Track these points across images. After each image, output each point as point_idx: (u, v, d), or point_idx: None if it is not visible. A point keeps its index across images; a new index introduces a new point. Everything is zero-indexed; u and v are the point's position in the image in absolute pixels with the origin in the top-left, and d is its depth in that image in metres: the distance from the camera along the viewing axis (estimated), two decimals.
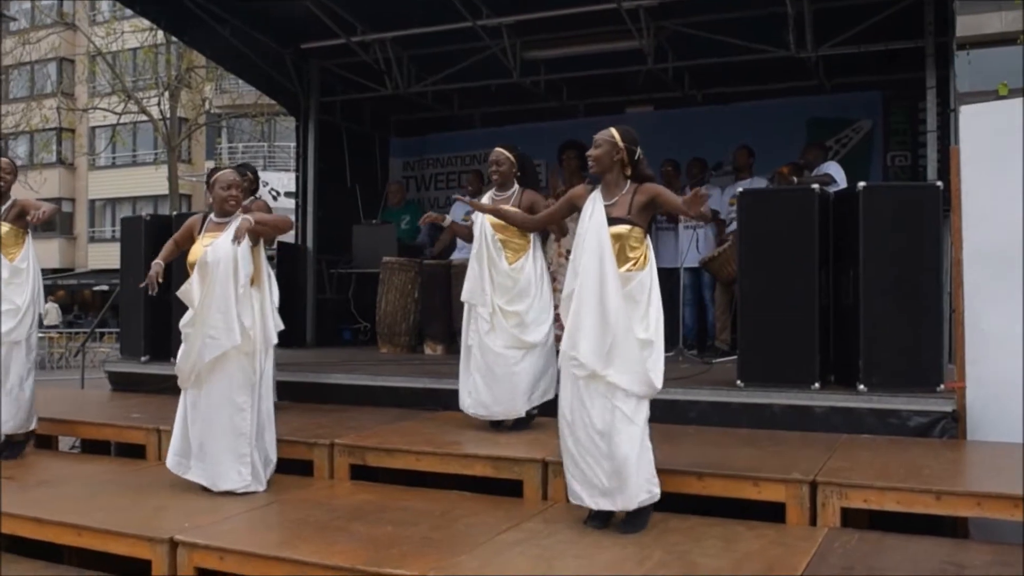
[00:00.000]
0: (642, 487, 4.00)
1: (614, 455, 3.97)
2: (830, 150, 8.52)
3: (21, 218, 5.76)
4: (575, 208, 4.36)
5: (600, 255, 4.04)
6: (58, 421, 6.55)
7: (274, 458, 4.99)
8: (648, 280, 4.11)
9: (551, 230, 5.78)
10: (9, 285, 5.69)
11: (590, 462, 4.02)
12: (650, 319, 4.06)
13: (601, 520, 4.09)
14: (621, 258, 4.08)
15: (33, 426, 5.95)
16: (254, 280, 4.84)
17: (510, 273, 5.43)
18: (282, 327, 5.19)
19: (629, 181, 4.24)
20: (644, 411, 4.06)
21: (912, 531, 4.07)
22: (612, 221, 4.11)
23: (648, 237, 4.22)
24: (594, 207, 4.16)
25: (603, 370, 3.97)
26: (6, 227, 5.74)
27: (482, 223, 5.53)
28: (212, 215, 4.94)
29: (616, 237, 4.08)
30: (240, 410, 4.75)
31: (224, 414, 4.75)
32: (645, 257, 4.15)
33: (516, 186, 5.65)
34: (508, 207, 5.41)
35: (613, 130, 4.30)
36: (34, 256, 5.89)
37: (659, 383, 4.04)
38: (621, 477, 3.96)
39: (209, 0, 8.93)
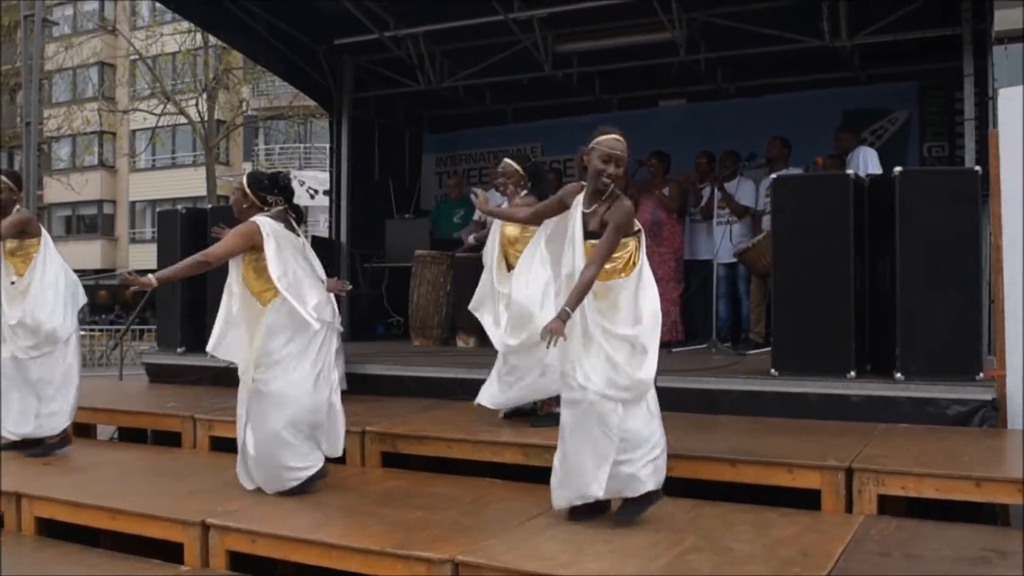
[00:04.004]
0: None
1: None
2: (865, 141, 8.39)
3: (23, 233, 5.72)
4: (566, 207, 4.07)
5: (573, 272, 3.84)
6: (97, 410, 6.64)
7: None
8: (633, 284, 3.87)
9: None
10: (12, 300, 5.69)
11: None
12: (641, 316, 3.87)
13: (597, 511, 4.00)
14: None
15: (62, 428, 5.87)
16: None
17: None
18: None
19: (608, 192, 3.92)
20: None
21: (951, 521, 4.00)
22: (588, 234, 3.86)
23: (637, 238, 3.93)
24: (574, 218, 3.92)
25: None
26: (12, 244, 5.70)
27: (495, 235, 5.51)
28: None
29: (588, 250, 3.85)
30: None
31: None
32: (631, 262, 3.89)
33: (525, 193, 5.58)
34: (503, 208, 5.38)
35: (624, 142, 3.94)
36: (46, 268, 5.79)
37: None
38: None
39: None
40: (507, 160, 5.66)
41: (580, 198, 3.95)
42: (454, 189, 10.42)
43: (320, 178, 20.64)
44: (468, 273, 8.47)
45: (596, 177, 3.86)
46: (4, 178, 5.73)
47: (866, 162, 7.10)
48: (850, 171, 5.79)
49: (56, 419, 5.71)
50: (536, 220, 4.53)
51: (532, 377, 5.22)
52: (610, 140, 3.85)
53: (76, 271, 6.13)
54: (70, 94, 35.44)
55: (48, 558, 4.36)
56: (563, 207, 4.11)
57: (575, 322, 3.77)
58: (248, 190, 4.70)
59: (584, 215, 3.89)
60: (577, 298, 3.73)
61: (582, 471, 3.84)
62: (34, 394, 5.66)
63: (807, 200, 5.72)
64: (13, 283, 5.68)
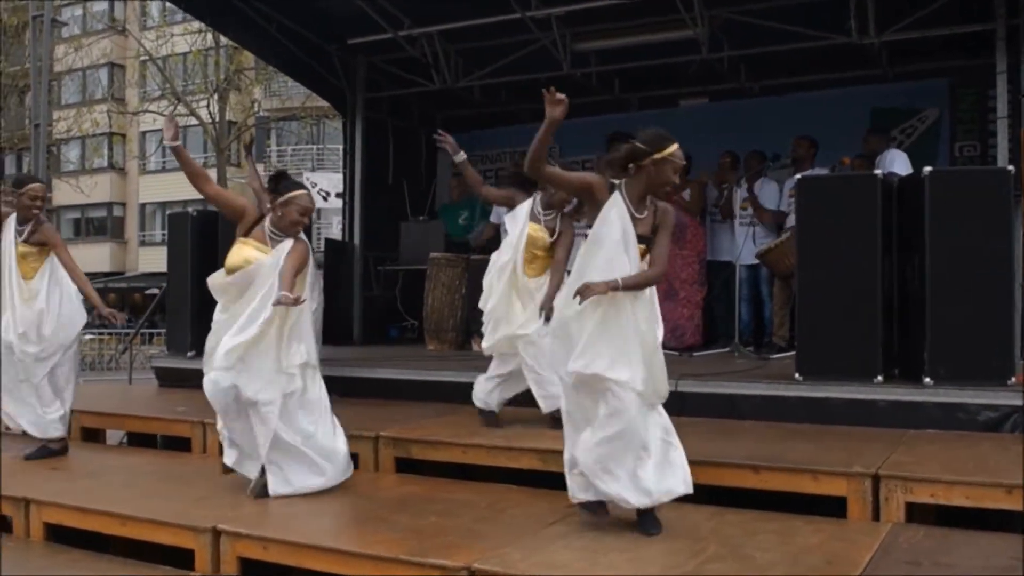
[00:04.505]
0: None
1: None
2: (894, 140, 8.26)
3: (44, 244, 5.79)
4: (591, 198, 3.84)
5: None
6: (106, 415, 6.65)
7: None
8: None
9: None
10: (26, 305, 5.72)
11: None
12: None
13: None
14: None
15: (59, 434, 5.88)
16: None
17: (530, 289, 5.37)
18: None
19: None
20: None
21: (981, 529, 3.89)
22: (640, 238, 3.78)
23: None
24: (624, 220, 3.75)
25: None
26: (24, 248, 5.77)
27: (519, 235, 5.41)
28: (268, 223, 4.61)
29: (643, 255, 3.79)
30: None
31: None
32: None
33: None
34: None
35: None
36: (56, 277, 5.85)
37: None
38: None
39: None
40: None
41: (618, 198, 3.76)
42: (455, 191, 10.33)
43: (333, 180, 20.61)
44: (483, 276, 8.38)
45: (661, 186, 3.78)
46: (37, 185, 5.81)
47: (894, 165, 6.98)
48: (878, 171, 5.65)
49: (54, 424, 5.76)
50: (551, 182, 4.29)
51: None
52: (679, 152, 3.77)
53: (87, 274, 6.14)
54: (79, 95, 35.54)
55: (57, 564, 4.31)
56: (582, 194, 3.94)
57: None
58: None
59: (634, 218, 3.76)
60: (635, 283, 3.67)
61: None
62: (35, 395, 5.69)
63: (833, 201, 5.61)
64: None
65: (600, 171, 3.96)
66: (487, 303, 5.52)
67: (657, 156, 3.72)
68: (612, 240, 3.71)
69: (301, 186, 4.66)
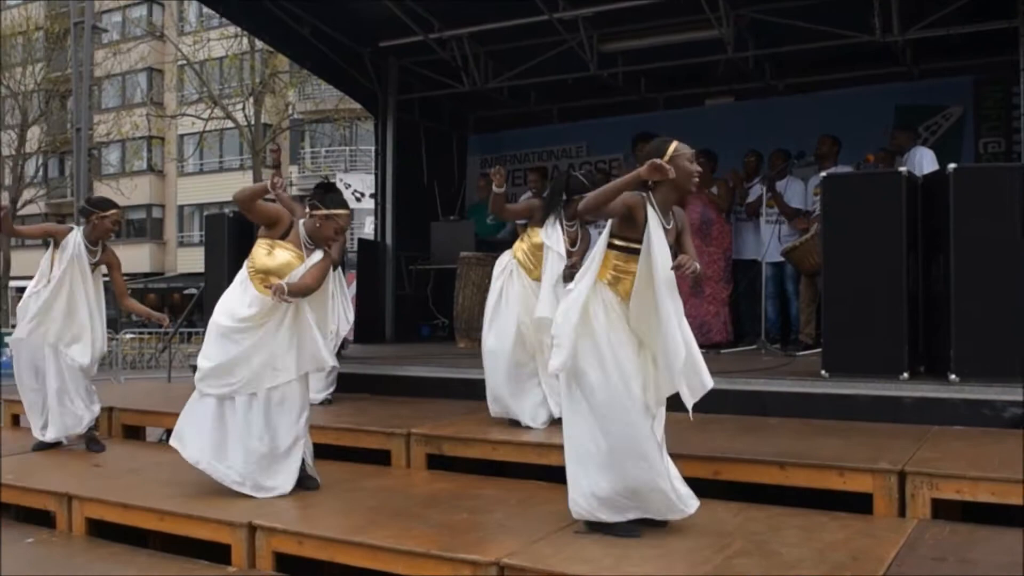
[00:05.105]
0: None
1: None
2: (919, 137, 8.22)
3: (106, 264, 6.01)
4: (631, 218, 3.73)
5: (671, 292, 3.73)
6: (146, 412, 6.75)
7: None
8: None
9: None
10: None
11: None
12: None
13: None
14: None
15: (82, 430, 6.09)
16: None
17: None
18: None
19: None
20: None
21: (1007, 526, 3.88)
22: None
23: None
24: (656, 234, 3.69)
25: None
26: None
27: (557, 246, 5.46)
28: (304, 231, 4.65)
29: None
30: None
31: None
32: None
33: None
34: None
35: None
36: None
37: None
38: None
39: (289, 1, 9.08)
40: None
41: (653, 216, 3.72)
42: (483, 191, 10.40)
43: (366, 181, 20.79)
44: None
45: (689, 178, 3.79)
46: (119, 211, 6.02)
47: (922, 163, 6.95)
48: (902, 168, 5.65)
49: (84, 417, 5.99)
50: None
51: None
52: (682, 144, 3.77)
53: (125, 275, 6.30)
54: (119, 100, 36.07)
55: (98, 558, 4.41)
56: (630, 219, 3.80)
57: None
58: None
59: (665, 230, 3.75)
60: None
61: None
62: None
63: (858, 198, 5.62)
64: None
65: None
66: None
67: (668, 156, 3.72)
68: (664, 258, 3.69)
69: (345, 205, 4.72)
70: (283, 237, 4.62)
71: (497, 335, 5.62)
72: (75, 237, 5.88)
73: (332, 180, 4.82)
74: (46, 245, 6.17)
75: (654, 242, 3.67)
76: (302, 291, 4.50)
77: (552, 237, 5.48)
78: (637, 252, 3.71)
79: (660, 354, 3.71)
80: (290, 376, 4.60)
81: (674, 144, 3.77)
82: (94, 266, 5.93)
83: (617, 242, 3.80)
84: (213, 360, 4.60)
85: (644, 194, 3.74)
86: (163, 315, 6.07)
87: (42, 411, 6.00)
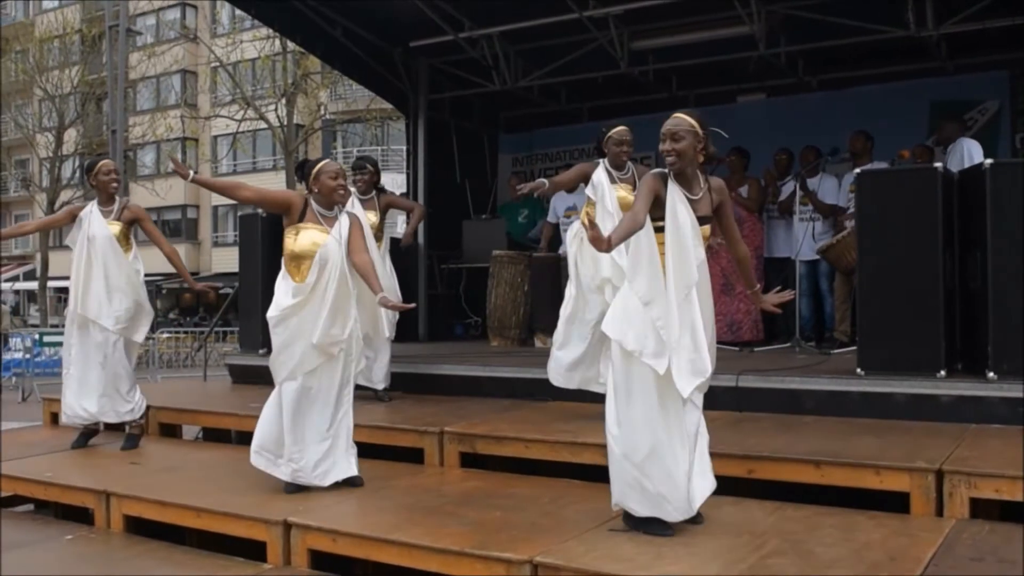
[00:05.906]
0: None
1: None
2: (967, 128, 8.09)
3: (132, 223, 6.05)
4: (658, 200, 3.77)
5: (697, 266, 3.76)
6: (182, 411, 6.81)
7: None
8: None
9: None
10: (129, 282, 5.97)
11: None
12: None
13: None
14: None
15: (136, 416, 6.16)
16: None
17: None
18: None
19: (699, 173, 3.89)
20: None
21: None
22: (700, 220, 3.81)
23: None
24: (677, 206, 3.74)
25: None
26: (117, 227, 6.01)
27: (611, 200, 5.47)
28: (314, 205, 4.77)
29: (704, 239, 3.82)
30: None
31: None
32: None
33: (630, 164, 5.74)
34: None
35: (688, 117, 3.87)
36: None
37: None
38: None
39: (320, 2, 9.14)
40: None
41: (674, 188, 3.78)
42: (514, 190, 10.41)
43: (397, 180, 20.84)
44: (545, 273, 8.47)
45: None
46: (107, 160, 6.16)
47: (971, 154, 6.85)
48: (938, 164, 5.59)
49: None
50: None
51: None
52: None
53: (161, 275, 6.40)
54: (153, 102, 36.49)
55: (136, 555, 4.47)
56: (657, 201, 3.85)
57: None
58: None
59: (690, 200, 3.79)
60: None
61: None
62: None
63: (893, 195, 5.54)
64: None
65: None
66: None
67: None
68: (685, 232, 3.73)
69: (321, 160, 4.89)
70: (301, 219, 4.73)
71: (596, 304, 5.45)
72: (88, 210, 6.00)
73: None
74: None
75: (678, 213, 3.75)
76: (368, 267, 4.71)
77: (596, 190, 5.53)
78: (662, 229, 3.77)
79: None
80: (342, 337, 4.73)
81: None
82: (125, 227, 6.00)
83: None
84: (273, 349, 4.81)
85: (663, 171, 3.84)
86: (205, 287, 6.09)
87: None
